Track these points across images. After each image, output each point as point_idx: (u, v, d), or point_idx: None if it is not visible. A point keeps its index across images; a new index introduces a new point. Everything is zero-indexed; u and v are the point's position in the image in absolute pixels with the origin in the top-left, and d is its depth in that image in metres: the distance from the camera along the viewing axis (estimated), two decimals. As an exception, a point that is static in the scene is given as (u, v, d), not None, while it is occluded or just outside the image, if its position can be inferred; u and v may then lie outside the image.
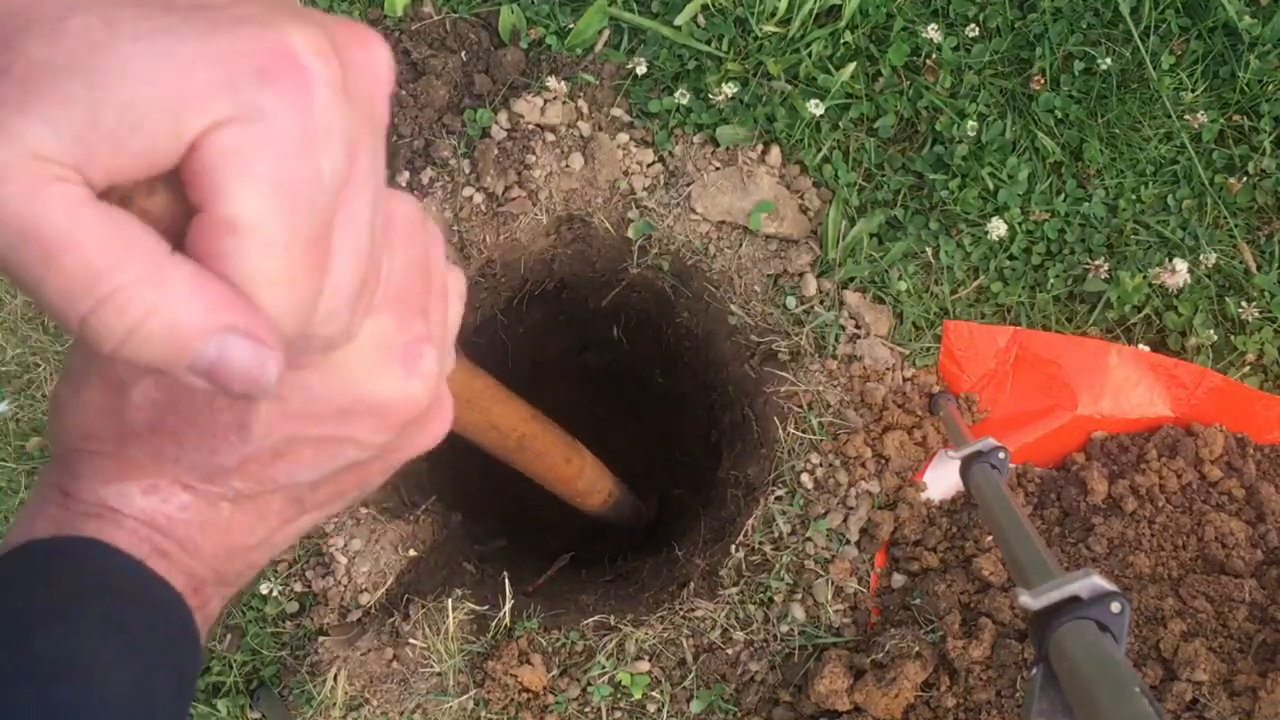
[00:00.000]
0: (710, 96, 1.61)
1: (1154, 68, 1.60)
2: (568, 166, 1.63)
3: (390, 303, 0.35)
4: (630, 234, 1.65)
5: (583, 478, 1.30)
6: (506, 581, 1.52)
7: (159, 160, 0.26)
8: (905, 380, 1.55)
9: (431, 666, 1.46)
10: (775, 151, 1.62)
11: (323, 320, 0.30)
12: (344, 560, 1.54)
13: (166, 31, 0.25)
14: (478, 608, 1.50)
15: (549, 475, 1.17)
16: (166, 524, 0.37)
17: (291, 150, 0.26)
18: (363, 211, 0.30)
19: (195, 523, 0.38)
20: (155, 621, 0.36)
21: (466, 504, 1.95)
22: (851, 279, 1.58)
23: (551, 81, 1.63)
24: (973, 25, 1.62)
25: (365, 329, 0.34)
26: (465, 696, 1.44)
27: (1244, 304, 1.54)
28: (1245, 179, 1.59)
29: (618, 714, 1.44)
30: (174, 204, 0.28)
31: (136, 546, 0.36)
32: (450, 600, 1.49)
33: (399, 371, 0.35)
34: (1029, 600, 0.79)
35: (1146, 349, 1.55)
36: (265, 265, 0.27)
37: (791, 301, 1.58)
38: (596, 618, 1.52)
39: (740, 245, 1.62)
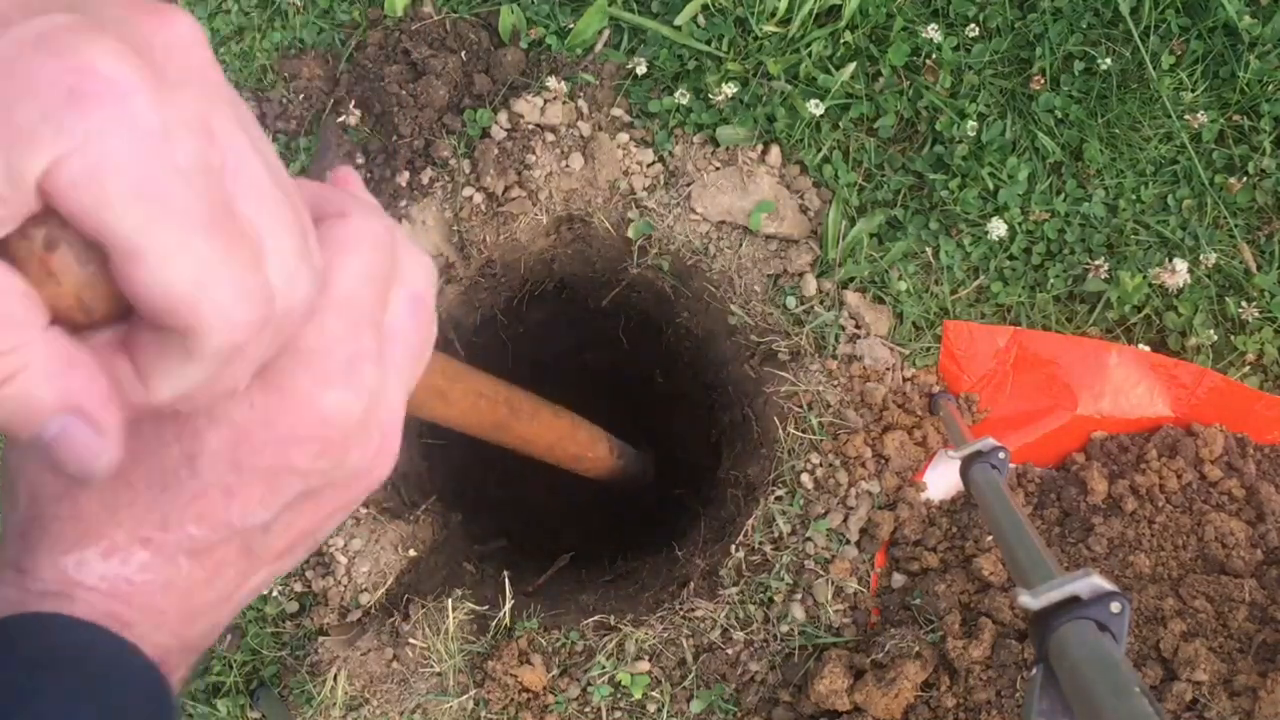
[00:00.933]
0: (710, 96, 1.61)
1: (1154, 68, 1.60)
2: (568, 166, 1.63)
3: (336, 306, 0.34)
4: (630, 234, 1.65)
5: (579, 431, 1.29)
6: (506, 581, 1.52)
7: (13, 207, 0.26)
8: (905, 380, 1.55)
9: (431, 666, 1.46)
10: (775, 151, 1.62)
11: (286, 283, 0.30)
12: (344, 560, 1.54)
13: None
14: (478, 608, 1.51)
15: (546, 435, 1.15)
16: (129, 590, 0.36)
17: (136, 159, 0.26)
18: (253, 168, 0.29)
19: (157, 584, 0.37)
20: (128, 689, 0.35)
21: (466, 504, 1.95)
22: (851, 279, 1.58)
23: (551, 81, 1.63)
24: (973, 25, 1.62)
25: (310, 331, 0.33)
26: (465, 696, 1.44)
27: (1244, 304, 1.54)
28: (1245, 179, 1.59)
29: (618, 714, 1.44)
30: (85, 252, 0.28)
31: (101, 621, 0.36)
32: (450, 600, 1.49)
33: (338, 381, 0.35)
34: (1029, 600, 0.79)
35: (1146, 349, 1.55)
36: (179, 273, 0.27)
37: (791, 301, 1.58)
38: (596, 618, 1.52)
39: (740, 245, 1.62)
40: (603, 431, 1.45)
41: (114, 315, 0.29)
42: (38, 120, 0.25)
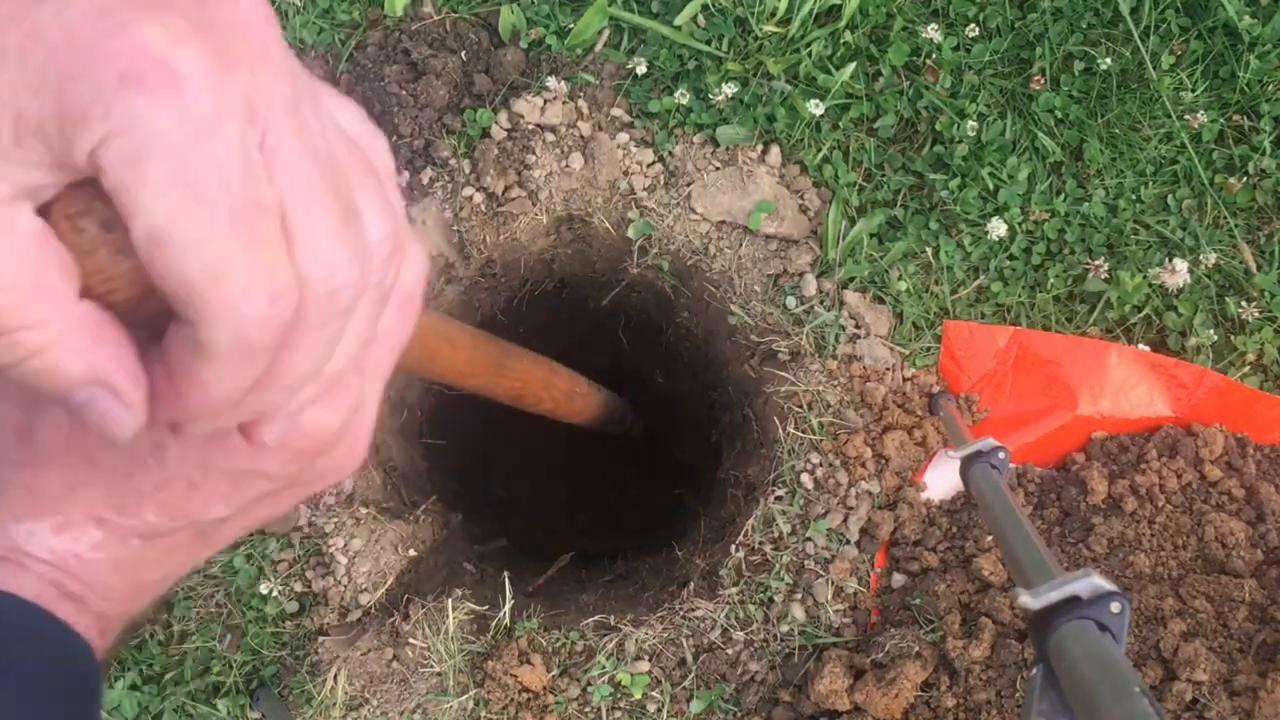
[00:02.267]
0: (710, 96, 1.61)
1: (1154, 68, 1.60)
2: (568, 166, 1.63)
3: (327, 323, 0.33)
4: (630, 234, 1.65)
5: (559, 369, 1.29)
6: (506, 581, 1.52)
7: (60, 174, 0.26)
8: (905, 380, 1.55)
9: (431, 666, 1.46)
10: (775, 151, 1.62)
11: (322, 272, 0.29)
12: (344, 560, 1.54)
13: (36, 39, 0.25)
14: (478, 608, 1.50)
15: (534, 374, 1.12)
16: (76, 565, 0.36)
17: (177, 146, 0.26)
18: (290, 150, 0.28)
19: (107, 562, 0.37)
20: (59, 673, 0.35)
21: (466, 504, 1.95)
22: (851, 279, 1.58)
23: (551, 81, 1.63)
24: (973, 25, 1.62)
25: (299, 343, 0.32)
26: (465, 696, 1.44)
27: (1244, 304, 1.54)
28: (1245, 179, 1.59)
29: (618, 714, 1.44)
30: (119, 230, 0.28)
31: (44, 593, 0.36)
32: (450, 600, 1.49)
33: (320, 401, 0.34)
34: (1029, 600, 0.79)
35: (1146, 349, 1.55)
36: (197, 261, 0.27)
37: (791, 301, 1.58)
38: (596, 618, 1.52)
39: (740, 245, 1.62)
40: (584, 379, 1.44)
41: (142, 299, 0.29)
42: (90, 99, 0.25)
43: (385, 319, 0.36)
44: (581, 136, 1.64)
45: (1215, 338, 1.54)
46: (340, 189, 0.30)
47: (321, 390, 0.33)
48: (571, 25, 1.68)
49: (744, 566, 1.49)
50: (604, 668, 1.45)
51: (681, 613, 1.48)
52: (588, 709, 1.44)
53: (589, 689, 1.44)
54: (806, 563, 1.48)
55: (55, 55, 0.25)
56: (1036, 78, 1.60)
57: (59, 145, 0.26)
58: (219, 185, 0.26)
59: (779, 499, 1.51)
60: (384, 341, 0.37)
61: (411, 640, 1.46)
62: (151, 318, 0.30)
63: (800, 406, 1.53)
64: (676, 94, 1.62)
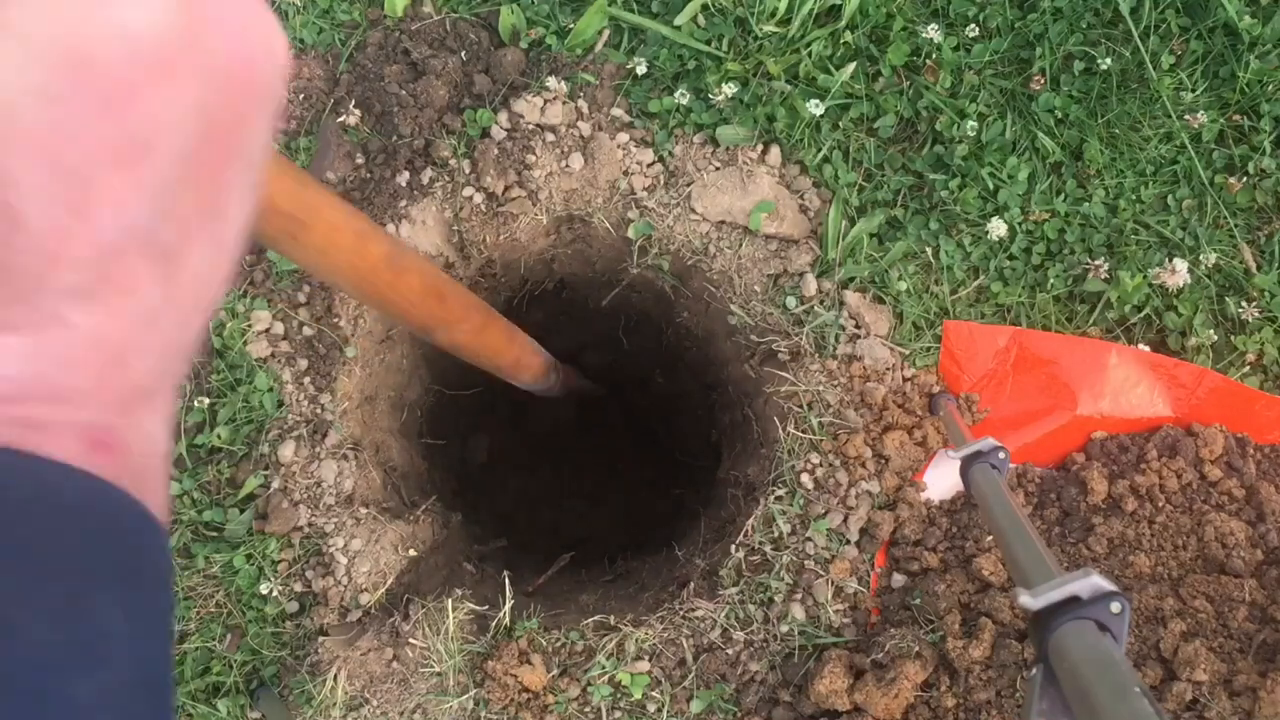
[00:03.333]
0: (710, 96, 1.61)
1: (1154, 68, 1.60)
2: (568, 166, 1.63)
3: None
4: (630, 234, 1.65)
5: (472, 315, 1.15)
6: (506, 581, 1.52)
7: None
8: (905, 380, 1.55)
9: (431, 666, 1.46)
10: (775, 151, 1.62)
11: None
12: (344, 560, 1.54)
13: None
14: (478, 608, 1.50)
15: (421, 304, 1.00)
16: (17, 390, 0.29)
17: None
18: None
19: (51, 365, 0.30)
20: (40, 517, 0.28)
21: (466, 504, 1.95)
22: (851, 279, 1.58)
23: (551, 81, 1.63)
24: (973, 25, 1.62)
25: None
26: (465, 696, 1.44)
27: (1244, 304, 1.54)
28: (1245, 179, 1.59)
29: (618, 714, 1.44)
30: None
31: (17, 437, 0.29)
32: (450, 600, 1.49)
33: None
34: (1029, 600, 0.79)
35: (1146, 349, 1.55)
36: None
37: (791, 301, 1.58)
38: (596, 618, 1.52)
39: (740, 245, 1.62)
40: (520, 338, 1.38)
41: None
42: None
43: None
44: (581, 136, 1.64)
45: (1215, 338, 1.54)
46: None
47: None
48: (571, 25, 1.68)
49: (744, 566, 1.49)
50: (604, 668, 1.44)
51: (681, 613, 1.48)
52: (588, 709, 1.44)
53: (589, 689, 1.44)
54: (806, 563, 1.48)
55: None
56: (1036, 78, 1.60)
57: None
58: None
59: (779, 499, 1.51)
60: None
61: (411, 640, 1.46)
62: None
63: (800, 406, 1.53)
64: (676, 94, 1.62)
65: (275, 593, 1.53)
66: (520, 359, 1.39)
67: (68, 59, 0.29)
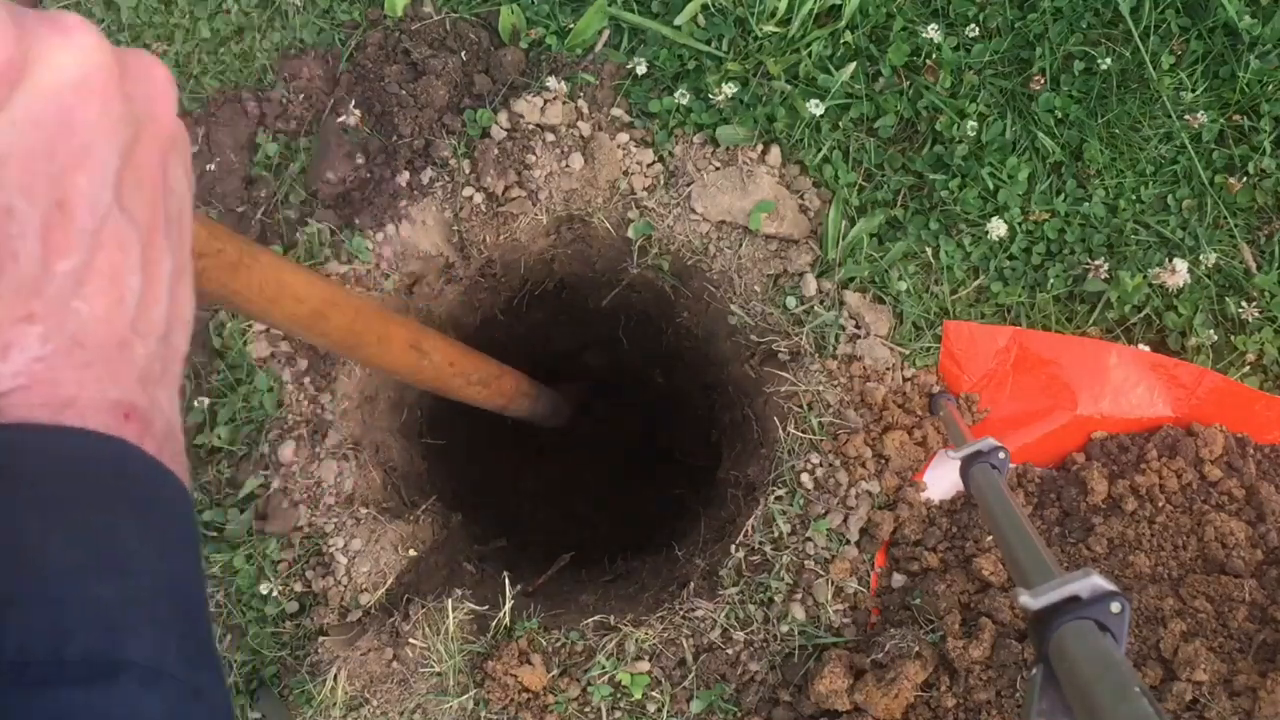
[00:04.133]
0: (710, 96, 1.61)
1: (1154, 68, 1.60)
2: (568, 166, 1.63)
3: None
4: (630, 234, 1.65)
5: (435, 353, 1.13)
6: (506, 581, 1.52)
7: None
8: (905, 380, 1.55)
9: (431, 666, 1.46)
10: (775, 151, 1.62)
11: None
12: (344, 560, 1.54)
13: None
14: (478, 608, 1.50)
15: (379, 349, 1.01)
16: (48, 372, 0.34)
17: None
18: None
19: (72, 349, 0.35)
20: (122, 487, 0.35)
21: (466, 504, 1.95)
22: (851, 279, 1.58)
23: (551, 81, 1.63)
24: (973, 25, 1.62)
25: None
26: (465, 696, 1.44)
27: (1244, 304, 1.54)
28: (1245, 179, 1.59)
29: (618, 714, 1.44)
30: None
31: (42, 409, 0.34)
32: (450, 600, 1.49)
33: None
34: (1029, 600, 0.79)
35: (1146, 349, 1.55)
36: None
37: (791, 301, 1.58)
38: (596, 618, 1.52)
39: (740, 245, 1.62)
40: (492, 365, 1.41)
41: None
42: None
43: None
44: (581, 136, 1.64)
45: (1215, 338, 1.54)
46: None
47: None
48: (571, 25, 1.68)
49: (744, 566, 1.49)
50: (604, 668, 1.44)
51: (681, 613, 1.48)
52: (588, 709, 1.44)
53: (589, 689, 1.44)
54: (806, 563, 1.48)
55: None
56: (1036, 78, 1.60)
57: None
58: None
59: (779, 499, 1.51)
60: None
61: (411, 640, 1.46)
62: None
63: (800, 406, 1.53)
64: (676, 94, 1.62)
65: (275, 593, 1.53)
66: (517, 388, 1.48)
67: (42, 113, 0.36)
